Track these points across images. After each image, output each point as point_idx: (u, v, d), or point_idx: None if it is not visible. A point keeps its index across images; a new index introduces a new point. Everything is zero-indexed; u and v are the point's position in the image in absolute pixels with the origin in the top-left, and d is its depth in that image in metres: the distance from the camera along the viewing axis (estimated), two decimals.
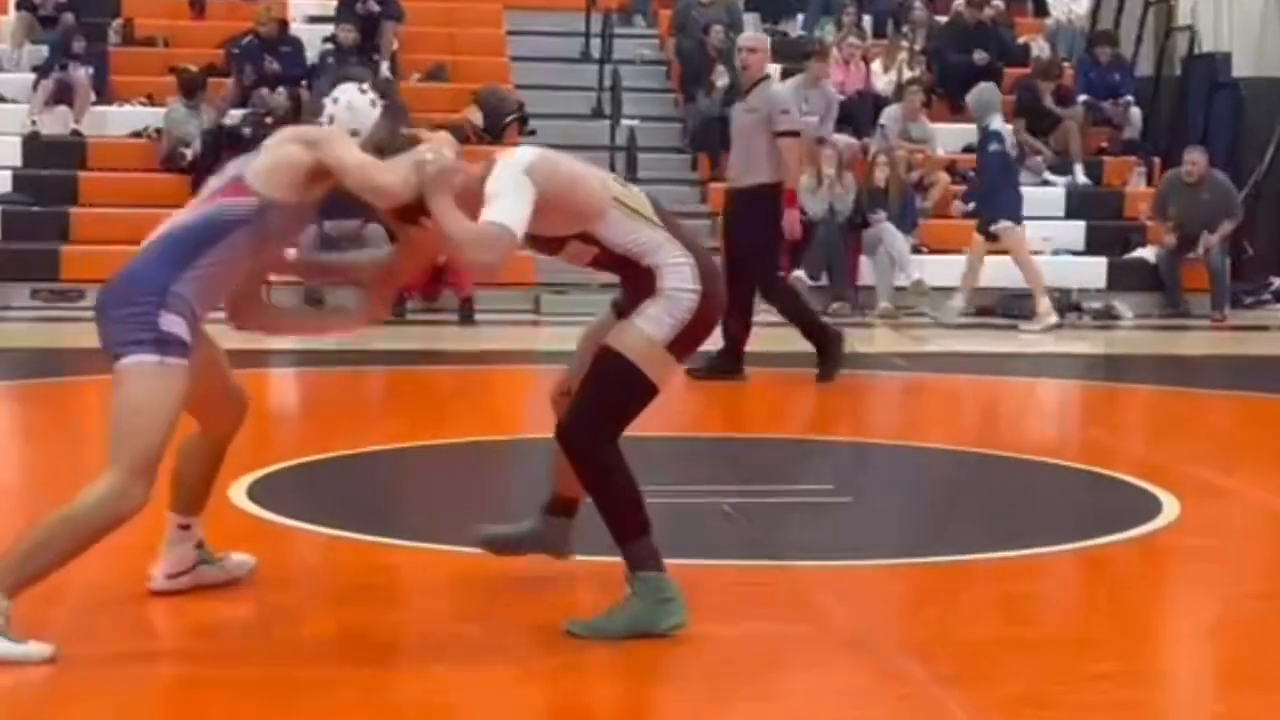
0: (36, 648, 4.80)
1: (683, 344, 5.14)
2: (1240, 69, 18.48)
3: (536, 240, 5.15)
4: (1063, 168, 17.74)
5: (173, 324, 4.89)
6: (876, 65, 18.41)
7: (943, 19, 19.16)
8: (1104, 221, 17.20)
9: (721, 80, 17.22)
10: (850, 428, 10.11)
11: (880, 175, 16.55)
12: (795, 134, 11.11)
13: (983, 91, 15.06)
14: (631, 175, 16.27)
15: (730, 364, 10.83)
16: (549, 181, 5.02)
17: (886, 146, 16.93)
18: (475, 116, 17.19)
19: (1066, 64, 18.84)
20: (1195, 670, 5.37)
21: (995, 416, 10.92)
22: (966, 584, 6.03)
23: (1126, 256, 16.87)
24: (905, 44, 18.61)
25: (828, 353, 10.82)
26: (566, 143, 17.08)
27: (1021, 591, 6.00)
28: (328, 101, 5.34)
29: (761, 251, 10.91)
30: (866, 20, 19.31)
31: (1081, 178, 17.73)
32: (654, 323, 5.08)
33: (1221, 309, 16.20)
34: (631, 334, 5.10)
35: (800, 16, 19.63)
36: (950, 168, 17.46)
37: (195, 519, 5.52)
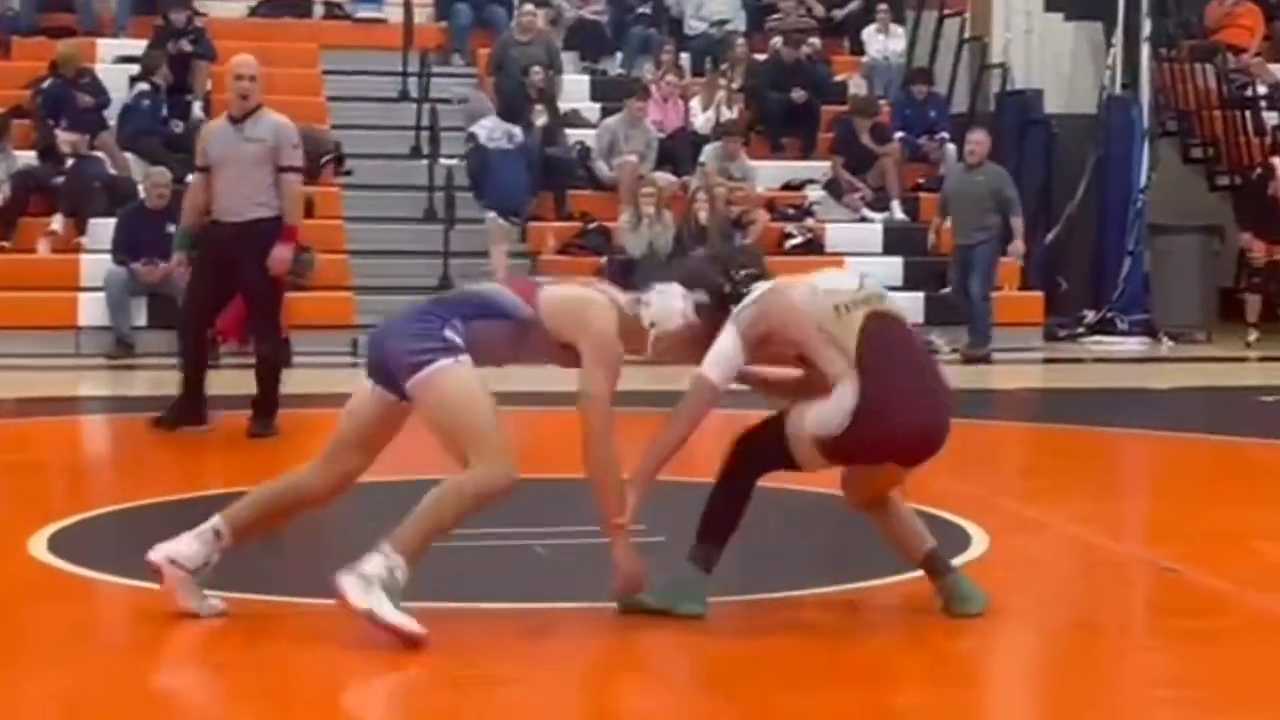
0: (412, 623, 5.42)
1: (828, 452, 5.72)
2: (1052, 106, 18.79)
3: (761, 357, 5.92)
4: (880, 204, 17.91)
5: (455, 336, 5.62)
6: (695, 103, 18.49)
7: (761, 57, 19.28)
8: (921, 257, 17.37)
9: (540, 119, 17.20)
10: (667, 467, 10.04)
11: (701, 213, 16.61)
12: (300, 170, 10.59)
13: (472, 103, 17.18)
14: (450, 215, 16.24)
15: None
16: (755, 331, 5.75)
17: (706, 184, 16.98)
18: None
19: (883, 101, 19.04)
20: (1007, 701, 5.39)
21: None
22: (779, 621, 6.01)
23: (943, 291, 17.04)
24: (724, 82, 18.70)
25: (184, 410, 10.41)
26: (384, 183, 17.24)
27: (830, 627, 6.00)
28: (655, 288, 5.90)
29: (269, 287, 10.40)
30: (685, 58, 19.38)
31: (899, 214, 17.91)
32: (813, 419, 5.69)
33: (982, 343, 16.08)
34: (800, 417, 5.74)
35: (619, 55, 19.65)
36: (769, 205, 17.55)
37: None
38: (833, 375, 5.66)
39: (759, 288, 5.84)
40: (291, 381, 13.67)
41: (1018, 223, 15.97)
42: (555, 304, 5.76)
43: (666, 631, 5.87)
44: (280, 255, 10.18)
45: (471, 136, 16.71)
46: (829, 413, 5.65)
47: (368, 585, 5.45)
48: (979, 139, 16.43)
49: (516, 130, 16.78)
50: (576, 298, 5.81)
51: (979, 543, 7.19)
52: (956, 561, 6.87)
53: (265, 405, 10.44)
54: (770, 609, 6.17)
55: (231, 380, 13.73)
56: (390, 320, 5.87)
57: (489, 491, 5.61)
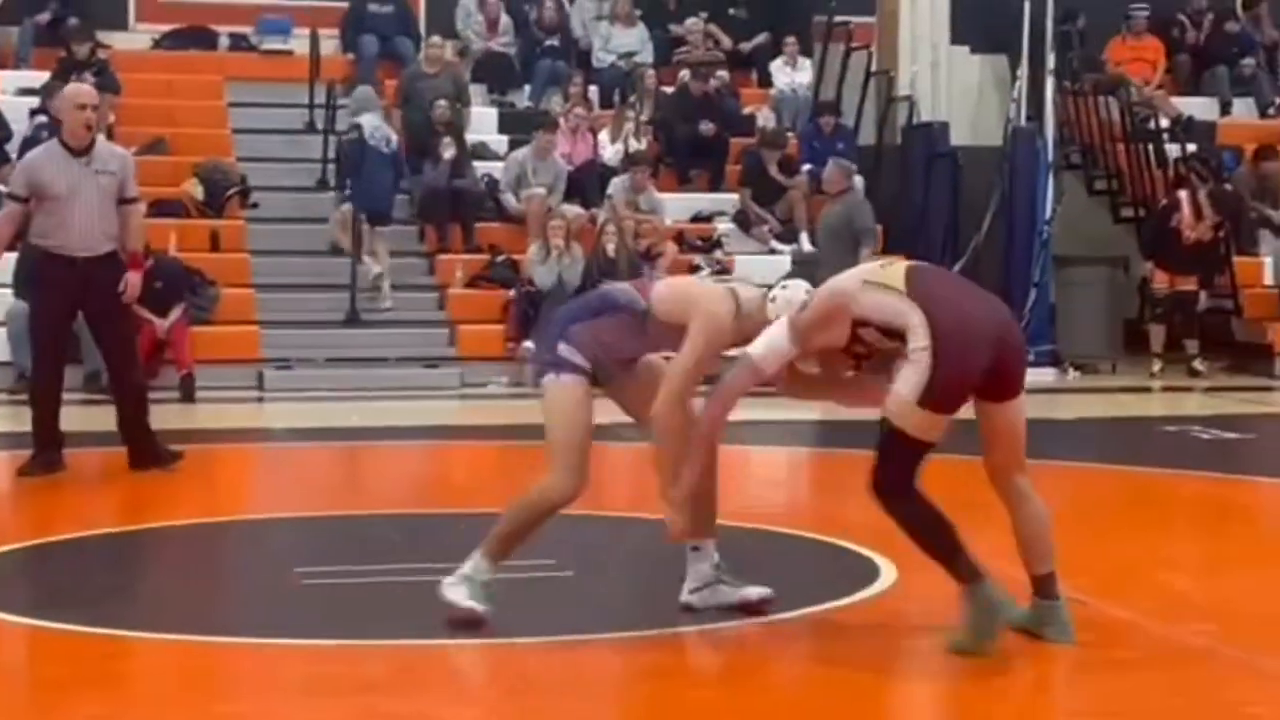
0: (476, 604, 6.22)
1: (934, 398, 5.69)
2: (958, 138, 18.89)
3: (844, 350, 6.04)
4: (788, 236, 17.95)
5: (568, 351, 6.21)
6: (604, 136, 18.49)
7: (669, 90, 19.30)
8: None
9: (449, 152, 17.14)
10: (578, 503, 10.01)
11: (609, 245, 16.60)
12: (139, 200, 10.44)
13: (360, 93, 17.44)
14: (357, 248, 16.15)
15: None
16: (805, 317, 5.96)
17: (614, 216, 16.97)
18: (196, 190, 16.99)
19: (791, 134, 19.11)
20: None
21: (723, 485, 10.90)
22: (687, 655, 5.99)
23: None
24: (632, 115, 18.71)
25: (44, 458, 10.09)
26: (291, 215, 17.13)
27: (739, 661, 5.98)
28: (779, 284, 6.21)
29: (127, 318, 10.34)
30: (593, 91, 19.38)
31: (807, 245, 17.91)
32: (905, 383, 5.72)
33: None
34: (892, 400, 5.77)
35: (527, 87, 19.63)
36: (678, 237, 17.56)
37: (703, 542, 6.46)
38: (895, 319, 5.77)
39: None
40: (197, 417, 13.61)
41: (866, 253, 15.24)
42: (665, 291, 6.26)
43: (565, 671, 5.84)
44: (135, 282, 10.05)
45: (357, 127, 16.66)
46: (914, 364, 5.71)
47: (456, 583, 6.29)
48: (826, 172, 16.17)
49: (394, 137, 16.88)
50: (686, 284, 6.42)
51: (887, 575, 7.19)
52: (866, 594, 6.90)
53: (147, 435, 10.29)
54: (670, 646, 6.14)
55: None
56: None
57: (551, 503, 6.31)
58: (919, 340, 5.71)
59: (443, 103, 17.60)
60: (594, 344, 6.24)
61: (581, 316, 6.33)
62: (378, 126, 16.78)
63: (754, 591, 6.47)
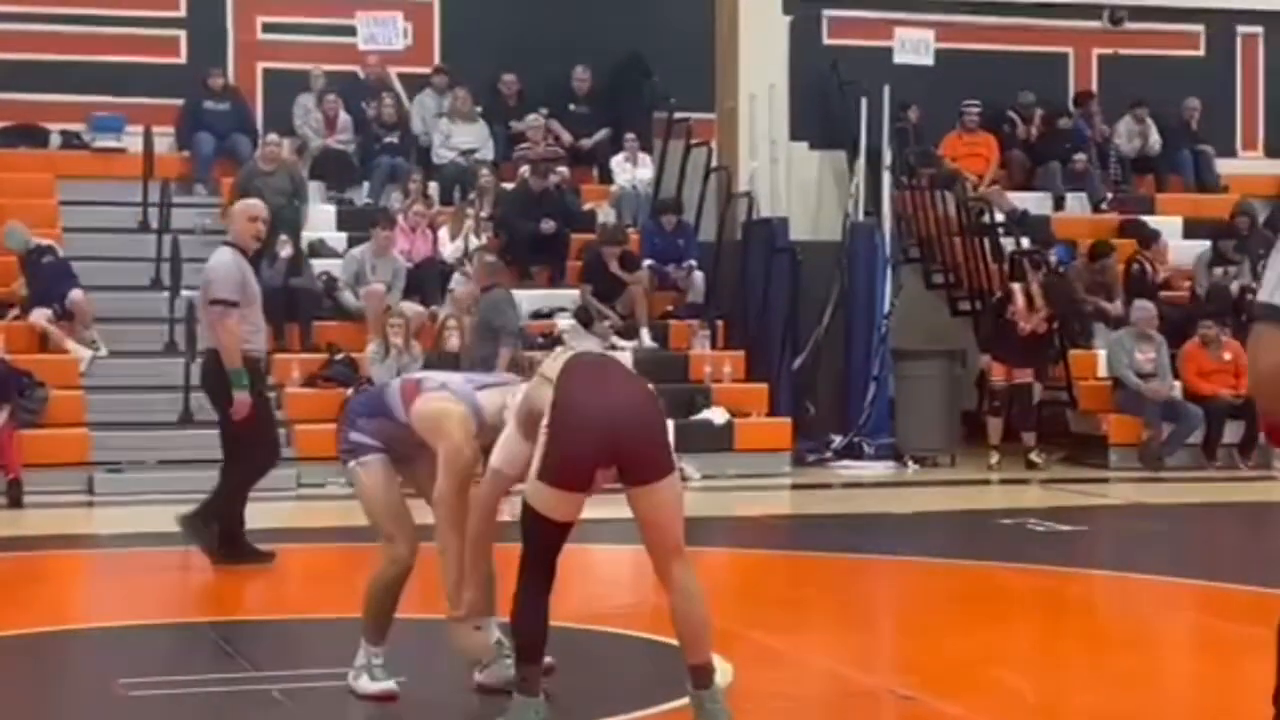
0: (382, 686, 6.73)
1: (547, 472, 5.92)
2: (798, 233, 19.03)
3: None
4: (629, 332, 17.95)
5: (360, 437, 6.72)
6: (444, 232, 18.42)
7: (509, 186, 19.29)
8: (671, 384, 17.34)
9: (285, 250, 16.99)
10: (406, 605, 9.87)
11: (451, 342, 16.50)
12: None
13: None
14: (191, 348, 15.92)
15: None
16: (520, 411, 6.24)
17: (455, 312, 16.87)
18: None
19: (631, 229, 19.15)
20: None
21: (559, 584, 10.80)
22: None
23: (693, 418, 17.08)
24: (472, 211, 18.67)
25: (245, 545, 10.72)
26: (123, 315, 16.86)
27: None
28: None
29: None
30: (433, 187, 19.33)
31: (648, 341, 17.96)
32: (536, 459, 5.96)
33: None
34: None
35: (366, 184, 19.53)
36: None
37: (483, 620, 6.79)
38: (545, 407, 6.00)
39: None
40: (25, 523, 13.29)
41: (505, 354, 14.76)
42: (418, 410, 6.59)
43: None
44: None
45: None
46: (539, 439, 5.97)
47: (357, 675, 6.77)
48: (474, 268, 15.89)
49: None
50: (435, 412, 6.55)
51: (723, 675, 7.11)
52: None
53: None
54: None
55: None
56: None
57: (394, 572, 6.74)
58: (545, 419, 5.99)
59: (264, 203, 17.41)
60: (379, 432, 6.71)
61: (363, 413, 6.80)
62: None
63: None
